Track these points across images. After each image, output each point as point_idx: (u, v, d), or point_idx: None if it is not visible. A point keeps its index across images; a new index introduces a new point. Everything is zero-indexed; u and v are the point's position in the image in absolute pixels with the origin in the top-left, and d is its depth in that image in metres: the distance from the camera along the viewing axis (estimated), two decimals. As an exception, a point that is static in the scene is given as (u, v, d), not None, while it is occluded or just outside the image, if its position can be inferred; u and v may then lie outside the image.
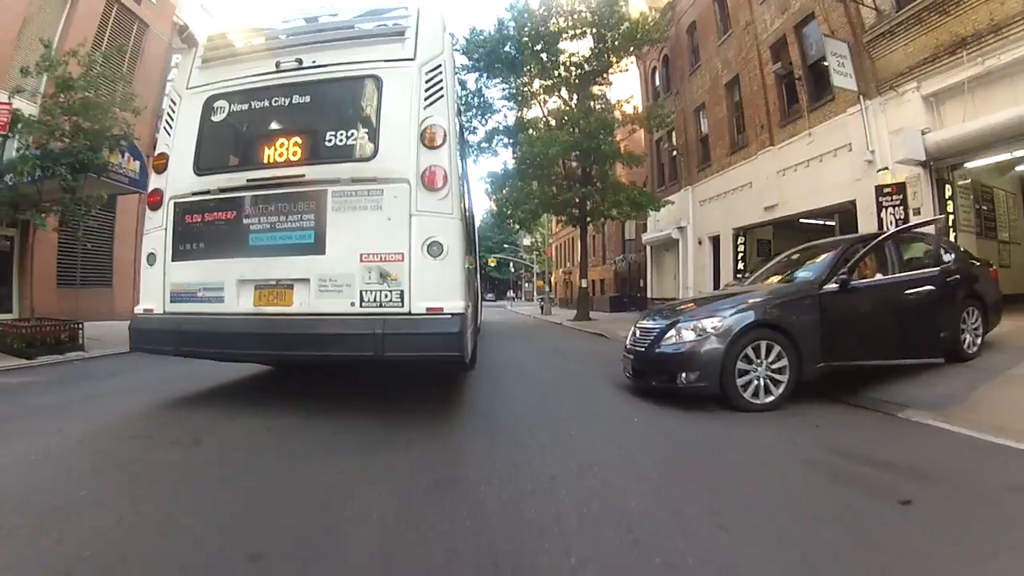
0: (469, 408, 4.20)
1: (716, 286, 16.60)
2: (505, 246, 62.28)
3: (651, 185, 20.23)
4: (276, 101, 3.70)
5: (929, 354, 4.46)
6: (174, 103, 3.93)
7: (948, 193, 10.26)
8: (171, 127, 3.89)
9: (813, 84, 13.27)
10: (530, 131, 17.01)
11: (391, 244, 3.33)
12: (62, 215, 7.91)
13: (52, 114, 7.28)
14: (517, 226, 20.88)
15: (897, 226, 8.79)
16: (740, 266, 15.53)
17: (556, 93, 18.39)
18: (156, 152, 3.93)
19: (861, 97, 11.66)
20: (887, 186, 11.03)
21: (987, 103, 8.82)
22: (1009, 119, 8.24)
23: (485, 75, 17.52)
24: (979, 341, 5.14)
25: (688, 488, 2.43)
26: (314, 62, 3.67)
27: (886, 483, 2.43)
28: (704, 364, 3.90)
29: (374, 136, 3.50)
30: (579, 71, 17.77)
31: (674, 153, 19.58)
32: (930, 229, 5.91)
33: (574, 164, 18.02)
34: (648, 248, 21.40)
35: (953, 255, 5.29)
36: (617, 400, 4.33)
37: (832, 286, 4.24)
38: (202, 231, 3.67)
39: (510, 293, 65.98)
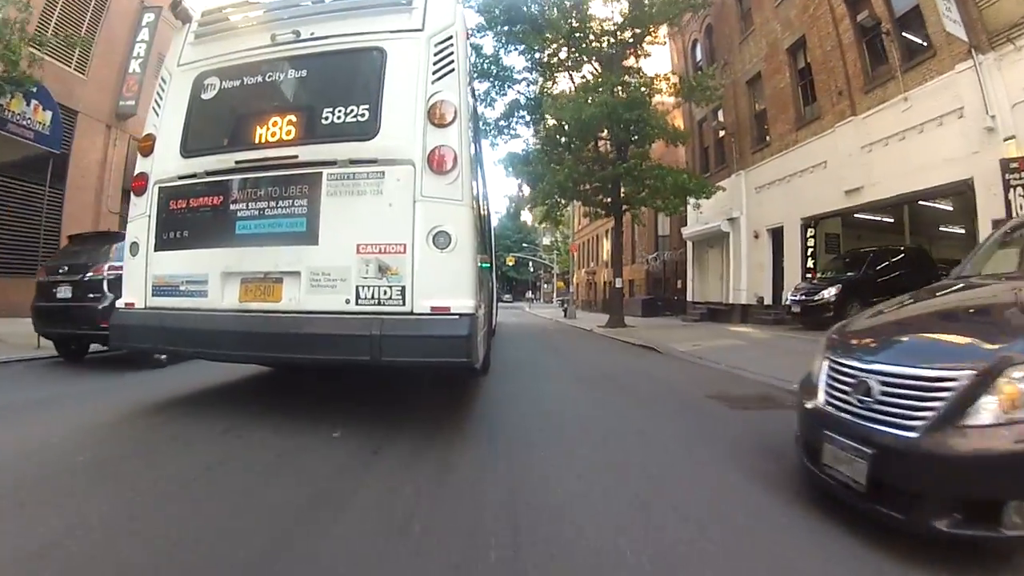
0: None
1: (778, 288, 13.98)
2: (524, 245, 60.25)
3: (693, 171, 17.60)
4: (270, 77, 3.47)
5: None
6: (164, 81, 3.73)
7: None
8: (159, 107, 3.69)
9: (905, 39, 10.73)
10: (558, 98, 14.58)
11: (392, 234, 3.05)
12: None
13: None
14: (540, 221, 18.51)
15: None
16: (810, 264, 12.90)
17: (587, 62, 15.92)
18: (144, 133, 3.75)
19: (973, 51, 9.18)
20: (1016, 159, 8.49)
21: None
22: None
23: (504, 38, 15.10)
24: None
25: None
26: (312, 34, 3.43)
27: None
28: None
29: (375, 113, 3.22)
30: (612, 40, 15.31)
31: (721, 133, 16.96)
32: None
33: (607, 142, 15.54)
34: (689, 244, 18.77)
35: None
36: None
37: None
38: (187, 218, 3.46)
39: (528, 294, 63.42)
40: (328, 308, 3.06)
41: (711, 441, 3.30)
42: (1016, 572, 1.61)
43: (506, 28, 14.77)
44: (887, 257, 11.90)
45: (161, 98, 3.68)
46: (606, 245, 33.13)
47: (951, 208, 16.16)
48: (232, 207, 3.33)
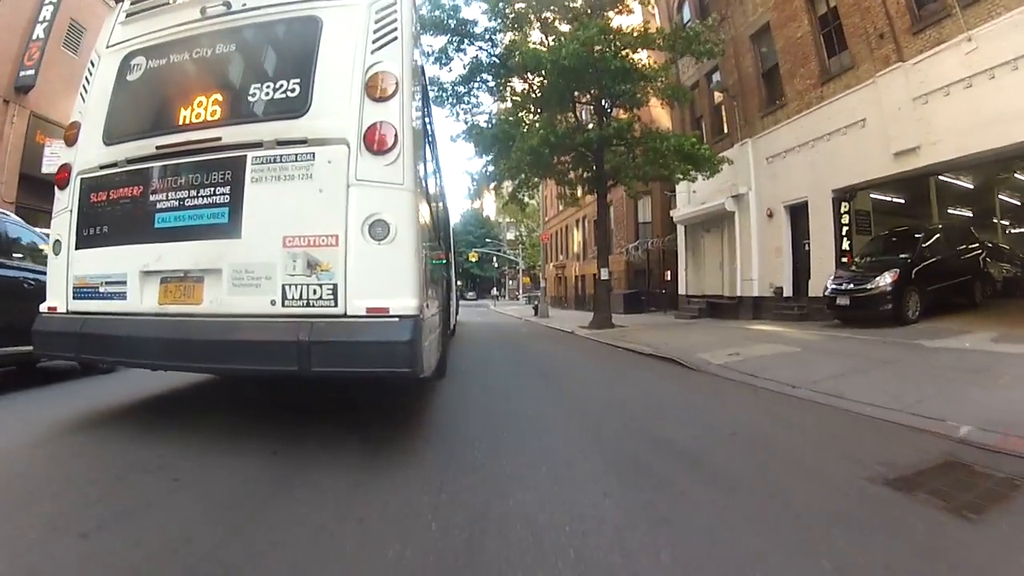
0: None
1: (800, 276, 11.62)
2: (488, 240, 57.12)
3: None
4: (198, 53, 3.11)
5: None
6: (92, 64, 3.40)
7: None
8: (86, 92, 3.37)
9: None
10: (530, 46, 11.70)
11: (322, 224, 2.67)
12: None
13: None
14: (503, 204, 15.68)
15: None
16: (845, 246, 10.57)
17: (563, 21, 13.18)
18: (70, 121, 3.39)
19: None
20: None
21: None
22: None
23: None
24: None
25: None
26: (244, 5, 3.08)
27: None
28: None
29: (307, 88, 2.85)
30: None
31: (719, 97, 14.56)
32: None
33: (588, 107, 12.83)
34: (681, 230, 16.28)
35: None
36: None
37: None
38: (106, 212, 3.11)
39: (494, 291, 60.40)
40: (251, 311, 2.70)
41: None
42: None
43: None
44: (942, 235, 9.73)
45: (89, 83, 3.37)
46: (576, 236, 30.61)
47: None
48: (152, 198, 2.98)
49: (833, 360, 6.04)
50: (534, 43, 13.84)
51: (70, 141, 3.33)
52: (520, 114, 12.52)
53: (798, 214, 11.74)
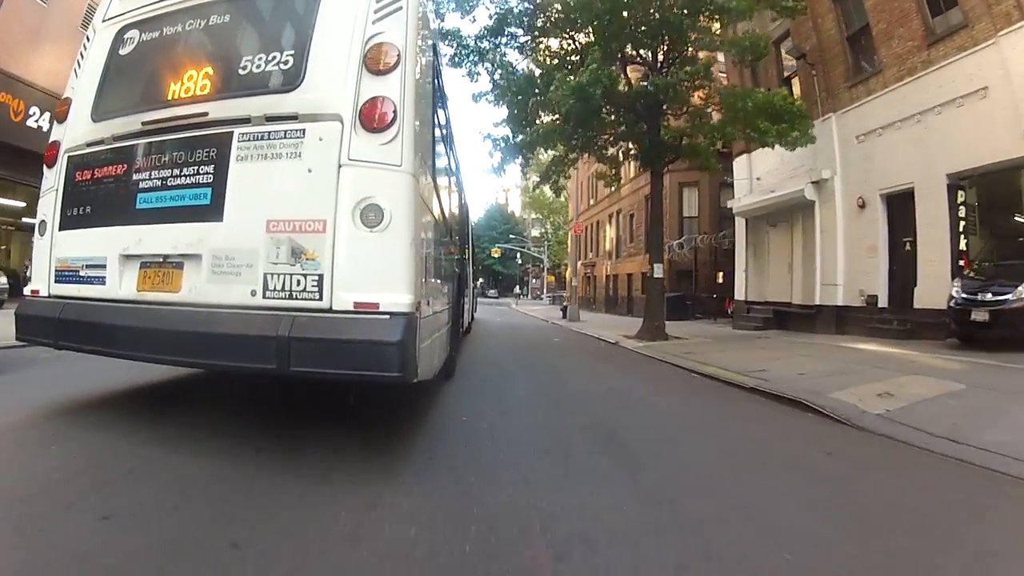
0: None
1: (900, 282, 9.39)
2: (512, 236, 55.17)
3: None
4: (190, 25, 2.97)
5: None
6: (88, 39, 3.34)
7: None
8: (80, 67, 3.30)
9: None
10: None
11: (309, 207, 2.45)
12: None
13: None
14: (541, 178, 13.76)
15: None
16: (963, 246, 8.35)
17: None
18: (63, 97, 3.33)
19: None
20: None
21: None
22: None
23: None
24: None
25: None
26: None
27: None
28: None
29: (301, 59, 2.65)
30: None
31: (793, 63, 12.34)
32: None
33: (642, 60, 10.82)
34: (740, 223, 14.04)
35: None
36: None
37: None
38: (91, 191, 3.02)
39: (516, 289, 58.43)
40: (230, 301, 2.51)
41: None
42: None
43: None
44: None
45: (83, 58, 3.30)
46: (609, 232, 28.49)
47: None
48: (135, 177, 2.85)
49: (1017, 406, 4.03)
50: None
51: (60, 118, 3.28)
52: (557, 76, 10.60)
53: (898, 205, 9.52)
